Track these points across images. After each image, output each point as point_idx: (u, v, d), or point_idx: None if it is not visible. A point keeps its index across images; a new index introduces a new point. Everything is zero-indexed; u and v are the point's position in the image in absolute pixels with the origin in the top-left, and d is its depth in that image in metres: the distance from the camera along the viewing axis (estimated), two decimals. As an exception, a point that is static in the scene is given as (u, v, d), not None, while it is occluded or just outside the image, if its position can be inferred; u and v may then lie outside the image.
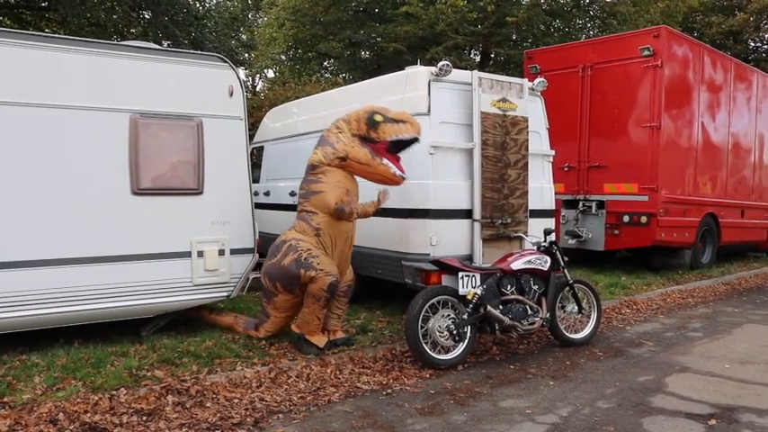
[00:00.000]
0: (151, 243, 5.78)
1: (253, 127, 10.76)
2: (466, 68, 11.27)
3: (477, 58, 23.03)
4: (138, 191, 5.71)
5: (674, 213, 10.67)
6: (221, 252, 6.10)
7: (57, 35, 6.49)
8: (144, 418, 4.26)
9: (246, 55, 24.47)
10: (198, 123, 5.99)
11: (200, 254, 5.99)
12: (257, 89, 29.90)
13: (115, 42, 6.07)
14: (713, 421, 4.56)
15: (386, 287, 7.57)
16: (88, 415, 4.18)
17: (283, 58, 27.30)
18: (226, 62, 6.25)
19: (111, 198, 5.60)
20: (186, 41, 15.49)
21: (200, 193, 6.02)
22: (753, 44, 27.01)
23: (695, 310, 8.82)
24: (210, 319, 6.53)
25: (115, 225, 5.61)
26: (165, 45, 15.04)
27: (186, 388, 4.71)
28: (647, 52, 10.30)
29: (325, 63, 26.47)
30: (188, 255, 5.95)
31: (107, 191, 5.59)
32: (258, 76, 32.72)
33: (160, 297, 5.85)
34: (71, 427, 4.01)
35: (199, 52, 6.47)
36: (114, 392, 4.53)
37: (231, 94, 6.19)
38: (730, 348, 6.69)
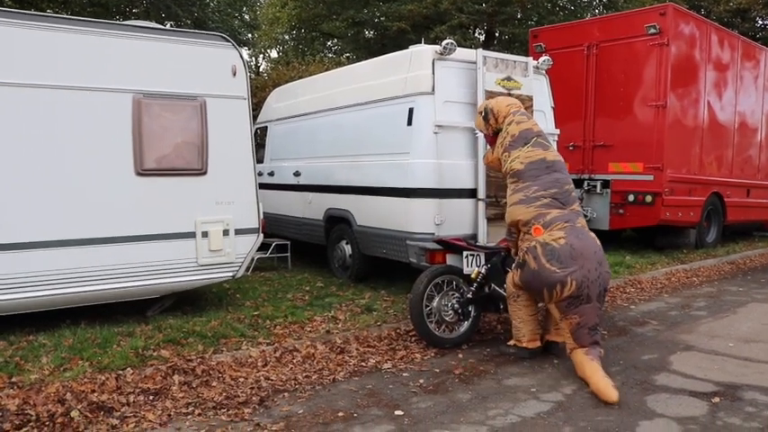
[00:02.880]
0: (155, 223, 5.77)
1: (256, 107, 10.73)
2: (470, 47, 11.19)
3: (482, 37, 22.86)
4: (142, 171, 5.69)
5: (679, 192, 10.61)
6: (226, 232, 6.09)
7: (59, 15, 6.44)
8: (150, 397, 4.31)
9: (249, 35, 24.33)
10: (201, 103, 5.96)
11: (205, 234, 5.99)
12: (260, 69, 29.82)
13: (117, 22, 6.02)
14: (717, 399, 4.57)
15: (390, 266, 7.59)
16: (95, 394, 4.22)
17: (287, 37, 27.20)
18: (229, 42, 6.20)
19: (116, 179, 5.59)
20: (189, 21, 15.43)
21: (204, 173, 6.01)
22: (761, 22, 26.65)
23: (700, 290, 8.81)
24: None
25: (119, 206, 5.60)
26: (168, 25, 14.95)
27: (192, 367, 4.73)
28: (653, 30, 10.17)
29: (329, 43, 26.34)
30: (192, 235, 5.95)
31: (111, 172, 5.57)
32: (261, 56, 32.61)
33: (165, 277, 5.86)
34: (79, 407, 4.04)
35: (202, 32, 6.41)
36: (121, 372, 4.56)
37: (234, 74, 6.15)
38: (734, 327, 6.69)
